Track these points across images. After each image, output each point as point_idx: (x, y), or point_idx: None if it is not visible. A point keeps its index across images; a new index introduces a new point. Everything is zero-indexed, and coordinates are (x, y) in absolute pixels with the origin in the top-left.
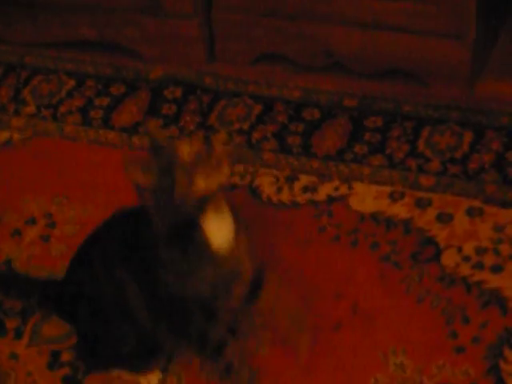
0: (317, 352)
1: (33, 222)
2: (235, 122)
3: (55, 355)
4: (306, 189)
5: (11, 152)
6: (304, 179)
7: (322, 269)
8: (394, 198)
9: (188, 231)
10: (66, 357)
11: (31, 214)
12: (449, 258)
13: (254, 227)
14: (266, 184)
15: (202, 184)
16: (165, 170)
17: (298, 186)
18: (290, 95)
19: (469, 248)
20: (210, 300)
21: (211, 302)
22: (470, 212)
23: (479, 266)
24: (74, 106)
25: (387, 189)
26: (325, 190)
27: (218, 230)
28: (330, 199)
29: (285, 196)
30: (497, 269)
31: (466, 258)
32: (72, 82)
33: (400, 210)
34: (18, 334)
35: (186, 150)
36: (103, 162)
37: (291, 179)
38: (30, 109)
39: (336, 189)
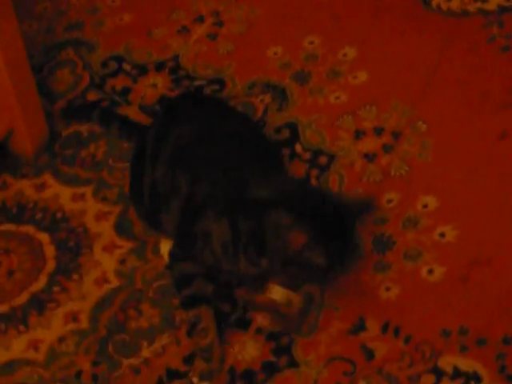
0: (478, 159)
1: (201, 20)
2: None
3: None
4: None
5: None
6: None
7: (489, 77)
8: None
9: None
10: None
11: (199, 12)
12: None
13: (422, 33)
14: None
15: None
16: None
17: None
18: None
19: None
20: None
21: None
22: None
23: None
24: None
25: None
26: (496, 0)
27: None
28: (502, 9)
29: (455, 4)
30: None
31: None
32: None
33: None
34: None
35: None
36: None
37: None
38: None
39: None
